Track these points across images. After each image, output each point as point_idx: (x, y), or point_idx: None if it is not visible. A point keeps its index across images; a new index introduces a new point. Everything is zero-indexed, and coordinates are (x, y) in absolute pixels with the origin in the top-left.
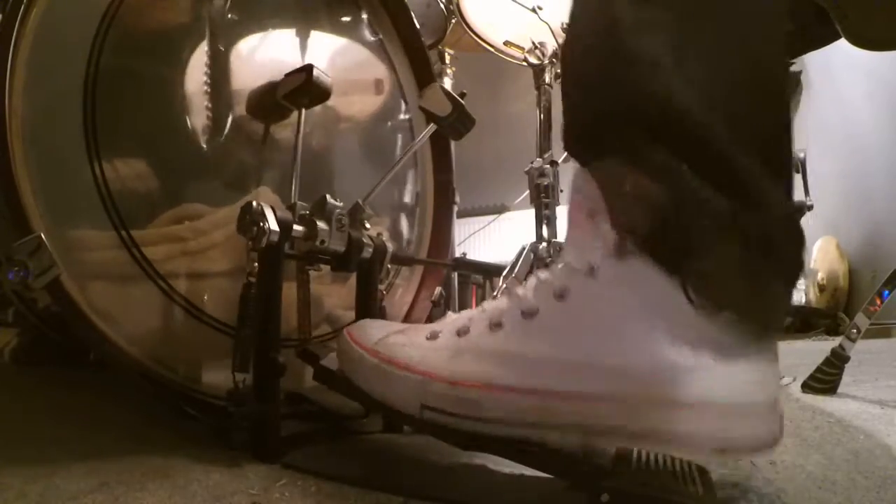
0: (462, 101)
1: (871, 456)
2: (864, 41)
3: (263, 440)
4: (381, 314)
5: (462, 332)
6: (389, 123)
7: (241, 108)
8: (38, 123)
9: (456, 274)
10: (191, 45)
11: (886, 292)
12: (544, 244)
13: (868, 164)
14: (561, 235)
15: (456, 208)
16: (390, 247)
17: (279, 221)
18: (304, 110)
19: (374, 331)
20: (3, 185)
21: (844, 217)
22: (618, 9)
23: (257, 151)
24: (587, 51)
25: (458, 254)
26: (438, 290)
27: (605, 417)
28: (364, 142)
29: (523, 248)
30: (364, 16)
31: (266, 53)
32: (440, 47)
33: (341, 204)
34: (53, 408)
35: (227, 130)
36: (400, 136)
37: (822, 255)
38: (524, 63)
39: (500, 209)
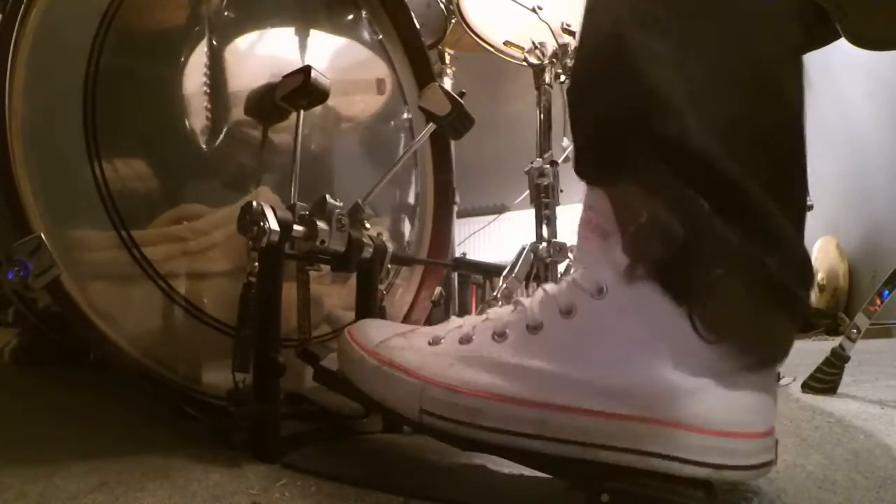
0: (461, 101)
1: (871, 456)
2: (864, 41)
3: (263, 440)
4: (381, 314)
5: (465, 339)
6: (389, 123)
7: (240, 109)
8: (38, 124)
9: (456, 274)
10: (191, 46)
11: (886, 292)
12: (544, 244)
13: (868, 164)
14: (561, 235)
15: (456, 208)
16: (390, 247)
17: (279, 221)
18: (302, 111)
19: (375, 332)
20: (3, 185)
21: (844, 217)
22: (627, 36)
23: (257, 151)
24: (597, 77)
25: (458, 254)
26: (438, 290)
27: (605, 434)
28: (364, 142)
29: (523, 248)
30: (364, 16)
31: (266, 53)
32: (440, 47)
33: (341, 204)
34: (53, 408)
35: (226, 130)
36: (400, 136)
37: (822, 255)
38: (524, 63)
39: (500, 209)
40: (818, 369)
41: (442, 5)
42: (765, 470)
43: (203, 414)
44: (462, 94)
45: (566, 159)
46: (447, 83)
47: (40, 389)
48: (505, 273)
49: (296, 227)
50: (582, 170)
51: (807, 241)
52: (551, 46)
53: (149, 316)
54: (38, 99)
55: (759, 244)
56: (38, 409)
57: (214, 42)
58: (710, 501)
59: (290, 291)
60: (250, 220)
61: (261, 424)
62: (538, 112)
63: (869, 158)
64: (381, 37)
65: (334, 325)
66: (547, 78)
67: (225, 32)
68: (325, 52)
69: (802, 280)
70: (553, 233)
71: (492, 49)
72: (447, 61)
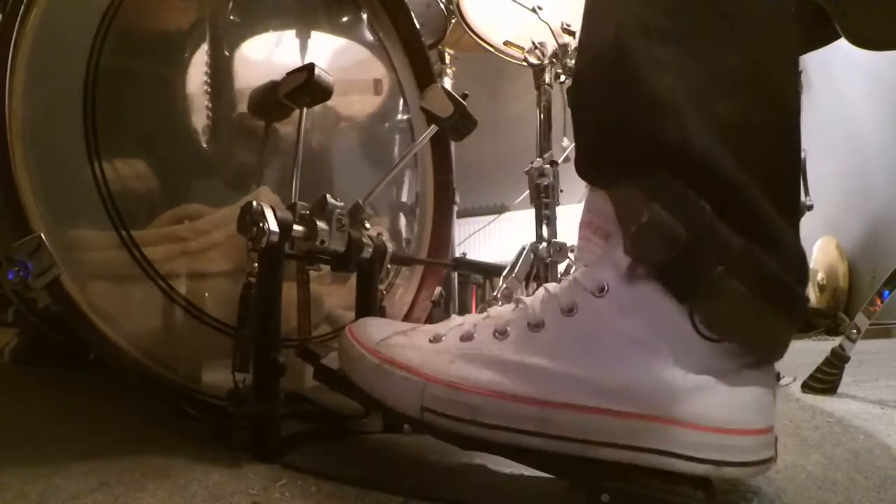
0: (464, 102)
1: (871, 456)
2: (864, 41)
3: (263, 440)
4: (381, 314)
5: (466, 337)
6: (389, 123)
7: (241, 108)
8: (38, 124)
9: (456, 274)
10: (191, 45)
11: (886, 292)
12: (544, 244)
13: (868, 164)
14: (561, 235)
15: (456, 208)
16: (390, 247)
17: (279, 221)
18: (305, 109)
19: (376, 330)
20: (3, 185)
21: (844, 217)
22: (628, 41)
23: (257, 151)
24: (598, 81)
25: (458, 254)
26: (438, 290)
27: (605, 431)
28: (364, 142)
29: (523, 248)
30: (364, 16)
31: (266, 53)
32: (440, 47)
33: (341, 204)
34: (53, 408)
35: (227, 130)
36: (400, 136)
37: (822, 255)
38: (524, 63)
39: (500, 209)
40: (818, 369)
41: (442, 5)
42: (765, 467)
43: (203, 414)
44: (465, 96)
45: (566, 159)
46: (447, 83)
47: (40, 389)
48: (505, 273)
49: (296, 227)
50: (584, 171)
51: (807, 241)
52: (551, 46)
53: (149, 316)
54: (38, 99)
55: (759, 243)
56: (38, 409)
57: (215, 42)
58: (710, 501)
59: (290, 291)
60: (250, 220)
61: (261, 424)
62: (538, 112)
63: (869, 158)
64: (381, 37)
65: (334, 324)
66: (547, 78)
67: (225, 32)
68: (326, 51)
69: (800, 278)
70: (553, 233)
71: (492, 49)
72: (447, 61)
